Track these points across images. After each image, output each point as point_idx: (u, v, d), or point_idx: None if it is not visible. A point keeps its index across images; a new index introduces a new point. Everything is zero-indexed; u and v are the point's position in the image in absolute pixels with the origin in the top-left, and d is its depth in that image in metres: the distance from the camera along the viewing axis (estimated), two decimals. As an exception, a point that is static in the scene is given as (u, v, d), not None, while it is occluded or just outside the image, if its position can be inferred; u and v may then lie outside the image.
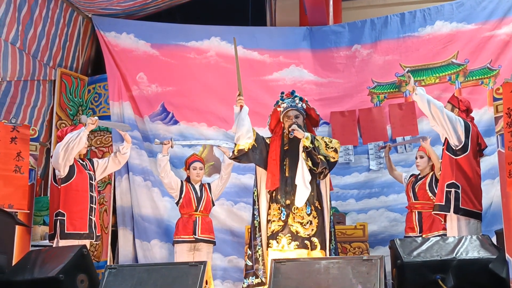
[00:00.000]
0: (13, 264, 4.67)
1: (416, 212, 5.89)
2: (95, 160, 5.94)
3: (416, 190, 5.94)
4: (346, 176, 6.38)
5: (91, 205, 5.51)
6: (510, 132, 4.11)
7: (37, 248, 5.22)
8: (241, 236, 6.87)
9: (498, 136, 4.32)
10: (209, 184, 6.31)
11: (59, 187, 5.38)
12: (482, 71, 6.83)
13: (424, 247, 4.11)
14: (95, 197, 5.63)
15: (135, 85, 7.51)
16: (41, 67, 7.12)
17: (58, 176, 5.49)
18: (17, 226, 4.99)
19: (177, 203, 6.21)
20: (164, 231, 7.08)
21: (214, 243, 6.23)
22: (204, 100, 7.48)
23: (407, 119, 6.96)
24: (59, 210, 5.37)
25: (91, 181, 5.61)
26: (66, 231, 5.34)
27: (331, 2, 7.48)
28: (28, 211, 5.45)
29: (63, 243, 5.27)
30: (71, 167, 5.46)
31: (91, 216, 5.52)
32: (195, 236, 6.05)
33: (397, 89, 7.18)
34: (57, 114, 7.38)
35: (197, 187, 6.23)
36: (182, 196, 6.15)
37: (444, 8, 7.05)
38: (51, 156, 5.74)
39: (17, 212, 5.21)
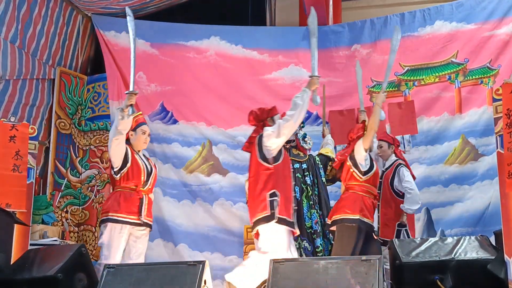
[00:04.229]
0: (12, 263, 4.67)
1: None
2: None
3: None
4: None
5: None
6: (510, 133, 4.09)
7: (36, 247, 5.21)
8: (240, 236, 6.86)
9: (498, 136, 4.31)
10: None
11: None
12: (482, 70, 6.84)
13: (422, 247, 4.12)
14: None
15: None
16: (40, 66, 7.11)
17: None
18: (15, 225, 4.97)
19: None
20: (165, 230, 7.08)
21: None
22: (203, 99, 7.48)
23: (406, 118, 6.96)
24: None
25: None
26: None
27: (331, 2, 7.48)
28: (26, 210, 5.42)
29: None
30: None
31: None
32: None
33: (396, 88, 7.18)
34: (56, 113, 7.39)
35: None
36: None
37: (444, 8, 7.06)
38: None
39: (15, 211, 5.19)
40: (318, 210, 5.65)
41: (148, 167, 5.26)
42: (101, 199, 7.31)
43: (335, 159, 5.71)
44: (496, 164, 4.39)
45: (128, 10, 5.23)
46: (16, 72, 6.67)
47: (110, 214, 5.03)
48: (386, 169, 6.00)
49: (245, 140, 7.29)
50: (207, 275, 4.04)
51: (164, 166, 7.31)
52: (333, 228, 5.32)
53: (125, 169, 5.10)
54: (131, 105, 5.02)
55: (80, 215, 7.36)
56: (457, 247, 4.10)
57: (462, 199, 6.68)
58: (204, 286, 3.95)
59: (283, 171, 4.99)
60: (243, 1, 7.90)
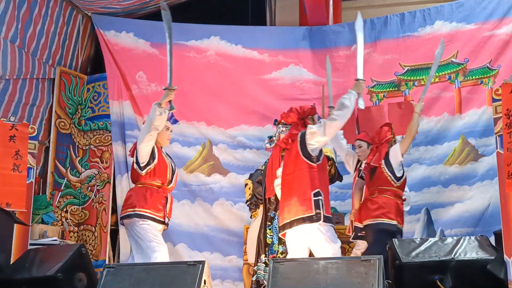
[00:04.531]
0: (12, 262, 4.67)
1: None
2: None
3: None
4: (345, 176, 6.34)
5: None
6: (509, 133, 4.09)
7: (36, 246, 5.21)
8: (240, 236, 6.85)
9: (497, 137, 4.31)
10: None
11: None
12: (482, 70, 6.83)
13: (422, 247, 4.12)
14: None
15: (134, 84, 7.51)
16: (40, 65, 7.11)
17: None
18: (15, 225, 4.98)
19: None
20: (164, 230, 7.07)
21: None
22: (204, 99, 7.48)
23: (406, 118, 6.92)
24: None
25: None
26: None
27: (331, 2, 7.48)
28: (26, 210, 5.43)
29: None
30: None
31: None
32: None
33: (396, 88, 7.17)
34: (56, 113, 7.39)
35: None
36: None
37: (444, 8, 7.06)
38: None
39: (15, 210, 5.20)
40: None
41: (172, 164, 5.24)
42: (101, 198, 7.30)
43: (368, 164, 5.66)
44: (496, 165, 4.39)
45: (163, 4, 5.10)
46: (16, 71, 6.67)
47: (137, 209, 4.94)
48: None
49: (245, 139, 7.41)
50: (206, 275, 4.04)
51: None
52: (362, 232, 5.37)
53: (151, 165, 5.03)
54: (169, 101, 4.96)
55: (80, 215, 7.36)
56: (457, 247, 4.10)
57: (462, 199, 6.68)
58: (204, 286, 3.95)
59: (323, 170, 4.98)
60: (243, 1, 7.89)
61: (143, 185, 5.07)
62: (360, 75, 5.05)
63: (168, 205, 5.11)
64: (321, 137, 4.83)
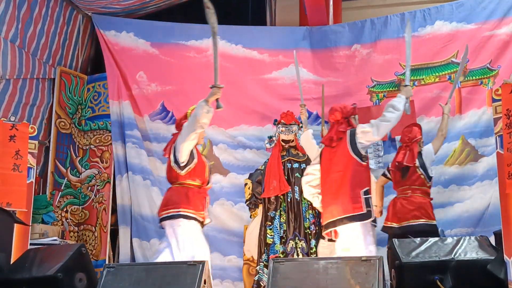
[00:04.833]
0: (12, 262, 4.67)
1: None
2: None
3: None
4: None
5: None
6: (509, 133, 4.09)
7: (36, 246, 5.21)
8: (240, 236, 6.85)
9: (497, 137, 4.31)
10: None
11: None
12: (482, 71, 6.83)
13: (422, 247, 4.13)
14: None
15: (134, 84, 7.51)
16: (41, 65, 7.11)
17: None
18: (15, 225, 4.98)
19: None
20: (163, 230, 7.07)
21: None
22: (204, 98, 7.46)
23: (407, 118, 6.93)
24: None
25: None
26: None
27: (331, 2, 7.48)
28: (26, 210, 5.43)
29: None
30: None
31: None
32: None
33: (396, 88, 7.16)
34: (56, 113, 7.39)
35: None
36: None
37: (444, 8, 7.05)
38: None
39: (15, 210, 5.20)
40: (316, 212, 5.65)
41: (209, 164, 5.18)
42: (101, 198, 7.31)
43: (399, 163, 5.65)
44: (495, 165, 4.39)
45: (207, 2, 4.98)
46: (16, 71, 6.67)
47: (182, 210, 4.83)
48: None
49: (245, 139, 7.40)
50: (206, 275, 4.04)
51: (164, 165, 7.29)
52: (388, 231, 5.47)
53: (191, 165, 4.94)
54: (216, 99, 4.86)
55: (80, 215, 7.37)
56: (457, 247, 4.11)
57: (462, 199, 6.67)
58: (204, 286, 3.95)
59: (369, 168, 5.02)
60: (243, 1, 7.89)
61: (183, 185, 4.97)
62: (407, 81, 5.09)
63: (207, 205, 5.04)
64: (373, 137, 4.89)
